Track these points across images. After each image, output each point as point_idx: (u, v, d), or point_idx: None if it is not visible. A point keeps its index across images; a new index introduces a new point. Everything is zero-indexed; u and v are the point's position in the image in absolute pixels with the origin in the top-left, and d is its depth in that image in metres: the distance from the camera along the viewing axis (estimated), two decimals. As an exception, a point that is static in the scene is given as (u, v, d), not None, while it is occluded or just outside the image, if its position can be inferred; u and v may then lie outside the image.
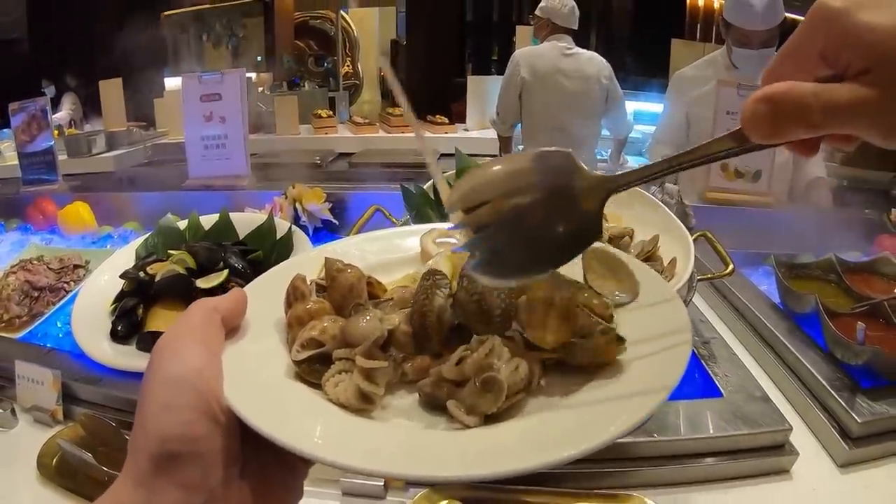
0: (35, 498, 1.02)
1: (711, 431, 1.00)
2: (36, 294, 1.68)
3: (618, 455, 0.97)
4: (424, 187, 1.52)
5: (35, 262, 1.77)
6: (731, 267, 1.28)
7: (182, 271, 1.36)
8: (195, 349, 0.45)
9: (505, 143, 3.92)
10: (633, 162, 3.98)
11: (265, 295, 0.58)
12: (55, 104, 6.60)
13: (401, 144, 4.84)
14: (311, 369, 0.50)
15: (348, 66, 7.87)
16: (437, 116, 5.27)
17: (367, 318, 0.52)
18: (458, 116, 5.35)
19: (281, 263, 0.69)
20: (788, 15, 2.50)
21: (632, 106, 4.32)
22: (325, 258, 0.61)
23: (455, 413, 0.45)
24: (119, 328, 1.30)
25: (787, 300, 1.44)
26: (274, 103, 5.12)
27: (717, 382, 1.15)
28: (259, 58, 8.39)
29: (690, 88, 2.73)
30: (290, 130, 4.90)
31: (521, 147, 3.98)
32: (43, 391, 1.19)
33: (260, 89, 6.86)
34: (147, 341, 1.25)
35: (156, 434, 0.40)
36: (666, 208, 1.29)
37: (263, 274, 0.66)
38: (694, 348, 1.15)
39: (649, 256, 1.14)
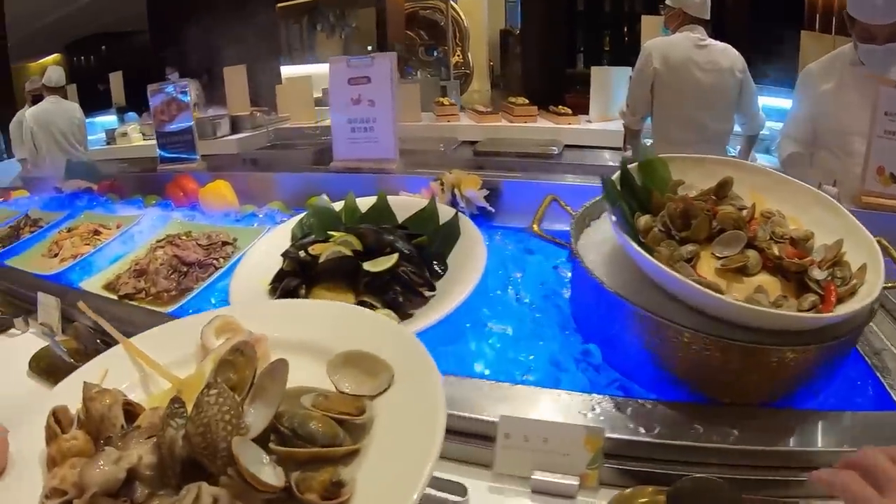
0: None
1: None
2: (185, 269, 1.60)
3: (788, 463, 0.82)
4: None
5: (183, 237, 1.68)
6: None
7: (348, 253, 1.27)
8: None
9: (633, 136, 3.70)
10: (761, 160, 3.65)
11: (36, 423, 0.58)
12: (179, 89, 6.82)
13: (524, 134, 4.73)
14: None
15: (458, 55, 7.78)
16: (560, 107, 5.04)
17: (102, 461, 0.51)
18: (572, 107, 5.08)
19: (62, 382, 0.74)
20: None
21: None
22: (84, 383, 0.61)
23: None
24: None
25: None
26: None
27: (891, 394, 0.99)
28: (370, 47, 8.40)
29: (817, 83, 2.56)
30: (412, 118, 4.80)
31: (649, 141, 3.70)
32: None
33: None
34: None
35: None
36: (847, 211, 1.11)
37: (40, 401, 0.67)
38: (866, 358, 1.07)
39: (836, 262, 0.99)
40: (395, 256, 1.24)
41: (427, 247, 1.38)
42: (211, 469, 0.50)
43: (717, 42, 3.26)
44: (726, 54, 3.21)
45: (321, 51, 8.75)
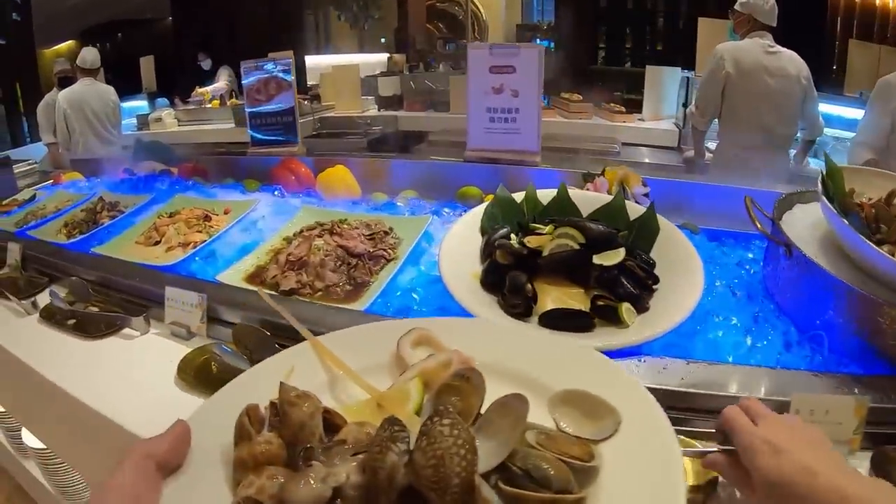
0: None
1: None
2: (353, 261, 1.35)
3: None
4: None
5: (344, 225, 1.42)
6: None
7: (576, 246, 1.17)
8: None
9: (698, 137, 3.70)
10: (813, 165, 3.60)
11: (217, 417, 0.57)
12: (212, 75, 6.61)
13: (579, 131, 4.64)
14: None
15: (478, 49, 7.66)
16: (614, 104, 4.92)
17: (309, 478, 0.49)
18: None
19: (242, 375, 0.69)
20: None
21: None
22: (280, 384, 0.58)
23: None
24: (515, 304, 1.10)
25: None
26: (449, 82, 4.82)
27: None
28: (383, 39, 8.55)
29: (895, 95, 2.71)
30: (464, 109, 4.49)
31: (713, 144, 3.68)
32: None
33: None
34: (554, 319, 1.06)
35: None
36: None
37: (218, 392, 0.64)
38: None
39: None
40: (623, 251, 1.15)
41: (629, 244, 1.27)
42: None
43: (785, 49, 3.26)
44: (794, 62, 3.23)
45: (338, 42, 8.76)
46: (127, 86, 6.70)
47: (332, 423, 0.59)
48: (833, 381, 0.92)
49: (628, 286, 1.11)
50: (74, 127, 4.42)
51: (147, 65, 6.56)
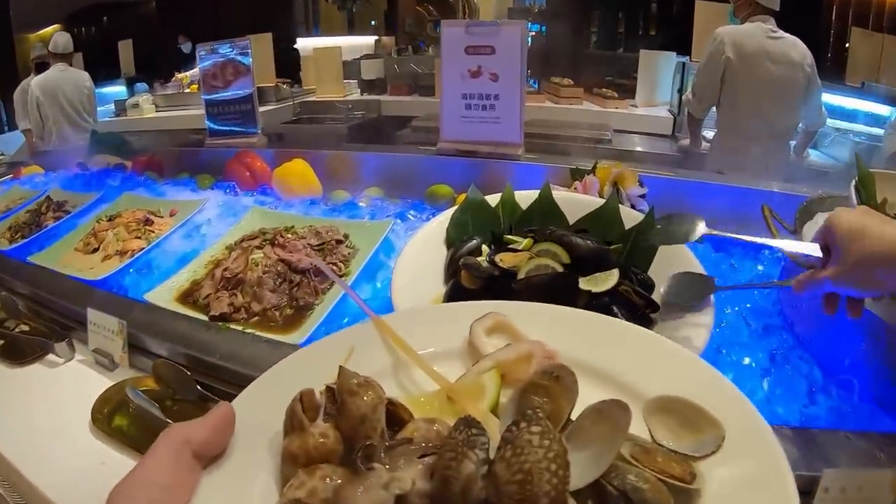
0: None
1: None
2: (296, 279, 1.17)
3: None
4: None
5: (288, 235, 1.25)
6: None
7: (559, 268, 0.98)
8: None
9: (695, 126, 3.52)
10: (814, 156, 3.56)
11: (265, 400, 0.52)
12: (192, 59, 6.40)
13: (569, 116, 4.44)
14: None
15: (468, 32, 7.56)
16: (606, 90, 4.76)
17: (369, 485, 0.42)
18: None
19: (296, 353, 0.62)
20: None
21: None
22: (340, 369, 0.52)
23: None
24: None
25: None
26: (434, 65, 4.63)
27: None
28: (373, 21, 8.33)
29: None
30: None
31: (710, 134, 3.50)
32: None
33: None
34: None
35: None
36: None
37: (267, 372, 0.58)
38: None
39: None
40: (616, 272, 0.97)
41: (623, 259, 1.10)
42: None
43: (788, 35, 3.10)
44: (797, 48, 3.08)
45: (326, 24, 8.58)
46: (113, 71, 6.54)
47: (395, 416, 0.52)
48: (868, 442, 0.77)
49: (618, 316, 0.92)
50: (48, 114, 4.26)
51: (125, 49, 6.35)
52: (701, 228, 0.95)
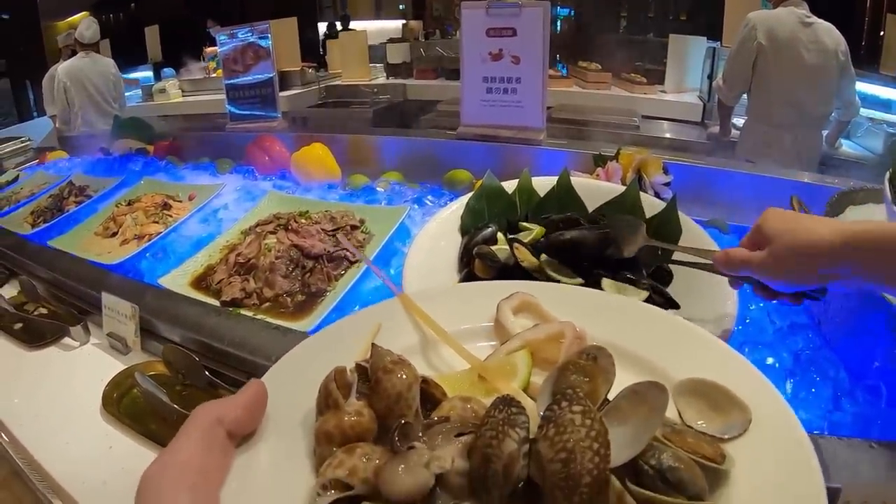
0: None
1: None
2: (309, 264, 1.15)
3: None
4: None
5: (303, 220, 1.23)
6: None
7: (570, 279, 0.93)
8: (183, 498, 0.36)
9: (725, 114, 3.42)
10: (846, 147, 3.45)
11: (295, 377, 0.51)
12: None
13: (597, 102, 4.40)
14: None
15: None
16: (634, 74, 4.66)
17: (411, 464, 0.42)
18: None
19: (324, 329, 0.62)
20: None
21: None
22: (373, 347, 0.52)
23: None
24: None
25: None
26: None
27: None
28: (401, 6, 8.22)
29: None
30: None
31: (741, 121, 3.39)
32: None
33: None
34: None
35: None
36: None
37: (296, 347, 0.57)
38: None
39: None
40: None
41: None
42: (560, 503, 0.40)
43: (822, 20, 2.98)
44: (831, 35, 2.96)
45: (354, 8, 8.47)
46: (141, 56, 6.58)
47: (429, 394, 0.51)
48: (893, 454, 0.72)
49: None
50: (74, 100, 4.29)
51: (152, 34, 6.37)
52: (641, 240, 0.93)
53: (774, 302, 0.77)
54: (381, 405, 0.48)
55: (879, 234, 0.61)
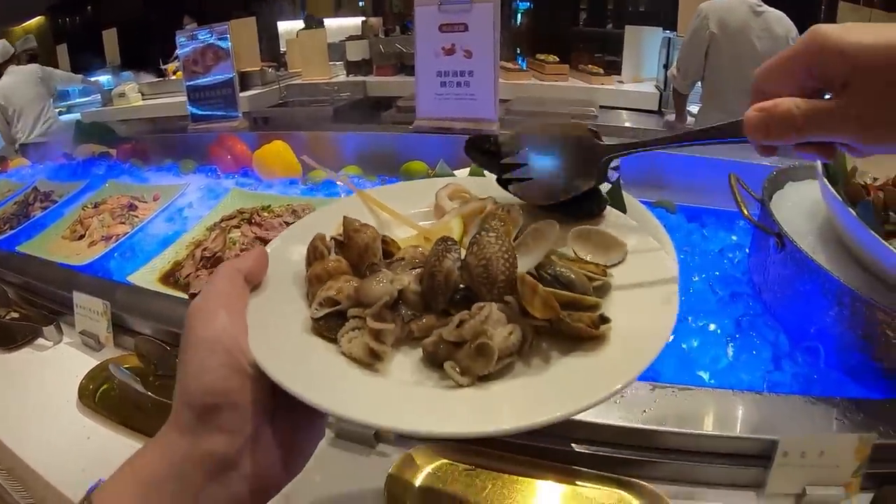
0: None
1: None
2: (273, 255, 1.19)
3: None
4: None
5: (265, 213, 1.28)
6: None
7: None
8: (222, 312, 0.48)
9: (680, 102, 3.54)
10: None
11: (287, 251, 0.63)
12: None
13: (555, 94, 4.43)
14: (328, 325, 0.53)
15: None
16: (591, 66, 4.71)
17: (379, 279, 0.56)
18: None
19: (303, 219, 0.73)
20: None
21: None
22: (344, 217, 0.63)
23: (450, 373, 0.48)
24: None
25: None
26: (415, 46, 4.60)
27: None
28: (361, 3, 8.24)
29: None
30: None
31: (696, 108, 3.54)
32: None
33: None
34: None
35: (196, 390, 0.45)
36: None
37: (285, 230, 0.69)
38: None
39: None
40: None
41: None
42: (486, 298, 0.54)
43: (772, 9, 3.08)
44: (781, 23, 3.06)
45: (314, 5, 8.39)
46: (99, 59, 6.49)
47: (387, 252, 0.63)
48: (830, 408, 0.79)
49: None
50: (13, 119, 4.35)
51: (109, 38, 6.30)
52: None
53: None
54: (353, 255, 0.60)
55: None
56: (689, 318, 0.99)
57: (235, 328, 0.48)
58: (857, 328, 0.85)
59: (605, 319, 0.52)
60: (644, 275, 0.59)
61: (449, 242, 0.58)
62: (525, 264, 0.58)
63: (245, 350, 0.47)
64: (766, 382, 0.87)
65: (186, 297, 1.17)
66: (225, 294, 0.51)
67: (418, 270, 0.58)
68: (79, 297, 1.21)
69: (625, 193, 1.14)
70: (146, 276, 1.27)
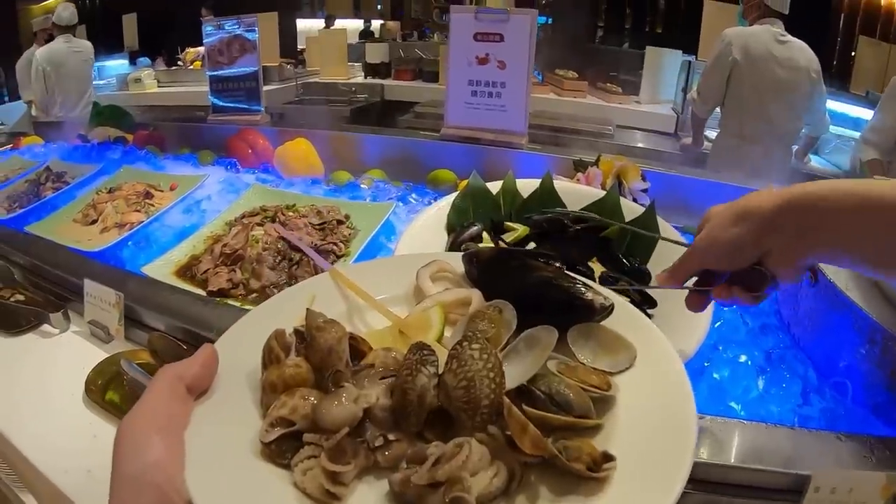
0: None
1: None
2: (296, 257, 1.16)
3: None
4: None
5: (290, 213, 1.24)
6: None
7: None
8: (155, 439, 0.43)
9: (698, 125, 3.53)
10: (815, 162, 3.56)
11: (242, 342, 0.57)
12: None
13: (572, 110, 4.44)
14: (280, 450, 0.48)
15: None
16: (610, 84, 4.70)
17: (341, 399, 0.50)
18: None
19: (267, 301, 0.68)
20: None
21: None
22: (307, 311, 0.58)
23: None
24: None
25: None
26: (440, 52, 4.61)
27: None
28: (379, 6, 8.31)
29: None
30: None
31: (712, 133, 3.49)
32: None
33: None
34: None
35: None
36: None
37: (241, 318, 0.63)
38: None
39: None
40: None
41: (613, 243, 1.08)
42: (466, 424, 0.49)
43: (796, 39, 3.06)
44: (804, 53, 3.04)
45: (333, 6, 8.46)
46: (117, 44, 6.47)
47: (357, 349, 0.58)
48: (859, 445, 0.77)
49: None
50: (54, 86, 4.21)
51: (129, 23, 6.28)
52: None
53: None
54: (316, 358, 0.54)
55: (816, 192, 0.58)
56: (720, 348, 0.97)
57: (170, 457, 0.43)
58: (886, 366, 0.84)
59: (608, 457, 0.46)
60: (656, 390, 0.54)
61: (425, 352, 0.52)
62: (515, 377, 0.53)
63: (180, 488, 0.42)
64: (796, 417, 0.86)
65: (204, 293, 1.13)
66: (161, 412, 0.46)
67: (390, 380, 0.53)
68: (90, 286, 1.17)
69: (658, 218, 1.12)
70: (161, 269, 1.23)
